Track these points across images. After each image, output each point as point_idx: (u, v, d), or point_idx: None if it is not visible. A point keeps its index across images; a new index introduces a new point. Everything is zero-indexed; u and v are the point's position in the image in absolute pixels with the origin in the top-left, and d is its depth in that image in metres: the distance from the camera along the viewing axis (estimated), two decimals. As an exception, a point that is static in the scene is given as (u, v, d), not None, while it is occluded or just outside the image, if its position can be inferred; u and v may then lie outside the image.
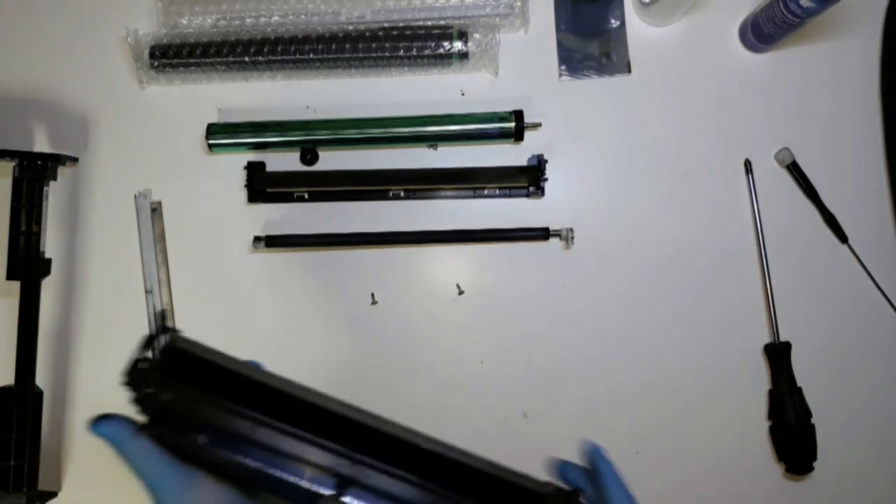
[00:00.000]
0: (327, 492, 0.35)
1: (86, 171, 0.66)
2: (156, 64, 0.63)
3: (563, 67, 0.66)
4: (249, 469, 0.35)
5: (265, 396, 0.37)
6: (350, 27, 0.63)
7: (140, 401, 0.35)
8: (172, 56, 0.63)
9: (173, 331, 0.38)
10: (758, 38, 0.63)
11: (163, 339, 0.37)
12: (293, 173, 0.64)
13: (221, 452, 0.35)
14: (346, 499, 0.35)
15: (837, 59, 0.65)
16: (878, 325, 0.64)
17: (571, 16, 0.66)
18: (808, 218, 0.64)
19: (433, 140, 0.64)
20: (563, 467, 0.47)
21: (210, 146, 0.63)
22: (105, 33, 0.67)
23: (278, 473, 0.35)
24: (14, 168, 0.61)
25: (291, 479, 0.35)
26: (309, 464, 0.35)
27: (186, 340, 0.38)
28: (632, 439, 0.64)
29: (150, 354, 0.37)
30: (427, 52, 0.62)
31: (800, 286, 0.64)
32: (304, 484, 0.35)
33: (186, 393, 0.36)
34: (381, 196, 0.65)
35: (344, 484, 0.35)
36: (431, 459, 0.38)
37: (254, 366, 0.39)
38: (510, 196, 0.64)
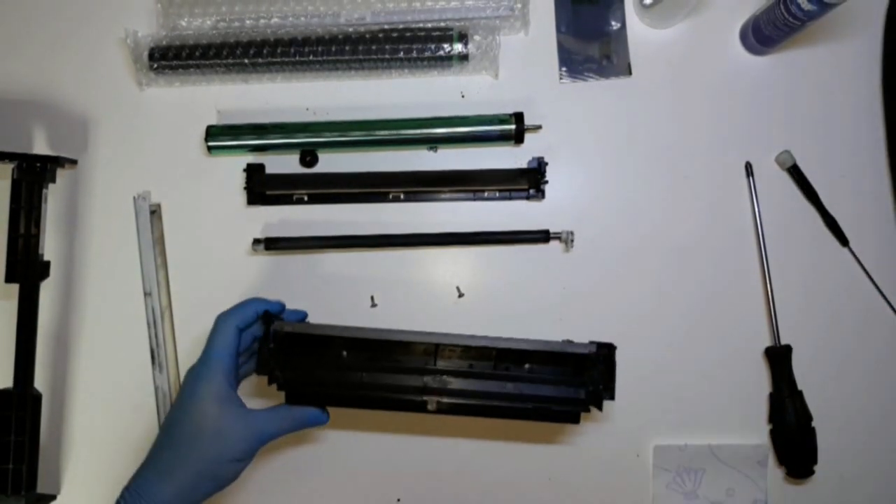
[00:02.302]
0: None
1: (85, 174, 0.66)
2: (155, 66, 0.63)
3: (564, 69, 0.65)
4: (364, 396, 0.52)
5: (354, 341, 0.52)
6: (350, 29, 0.63)
7: (272, 380, 0.51)
8: (172, 58, 0.63)
9: (276, 318, 0.52)
10: (759, 41, 0.63)
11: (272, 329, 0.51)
12: (293, 175, 0.64)
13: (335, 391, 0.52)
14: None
15: (838, 61, 0.65)
16: (879, 328, 0.63)
17: (572, 17, 0.66)
18: (808, 221, 0.64)
19: (433, 142, 0.64)
20: None
21: (209, 148, 0.63)
22: (104, 35, 0.66)
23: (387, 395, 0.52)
24: (13, 170, 0.60)
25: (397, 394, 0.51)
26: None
27: (289, 324, 0.52)
28: (633, 441, 0.64)
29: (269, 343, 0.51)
30: (427, 54, 0.62)
31: (800, 289, 0.63)
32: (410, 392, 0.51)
33: (298, 362, 0.51)
34: (381, 198, 0.64)
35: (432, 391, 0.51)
36: (498, 352, 0.52)
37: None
38: (510, 198, 0.64)
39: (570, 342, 0.52)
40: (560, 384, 0.51)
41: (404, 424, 0.64)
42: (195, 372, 0.50)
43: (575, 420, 0.52)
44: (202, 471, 0.47)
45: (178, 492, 0.46)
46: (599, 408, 0.51)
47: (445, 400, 0.51)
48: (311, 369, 0.52)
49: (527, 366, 0.53)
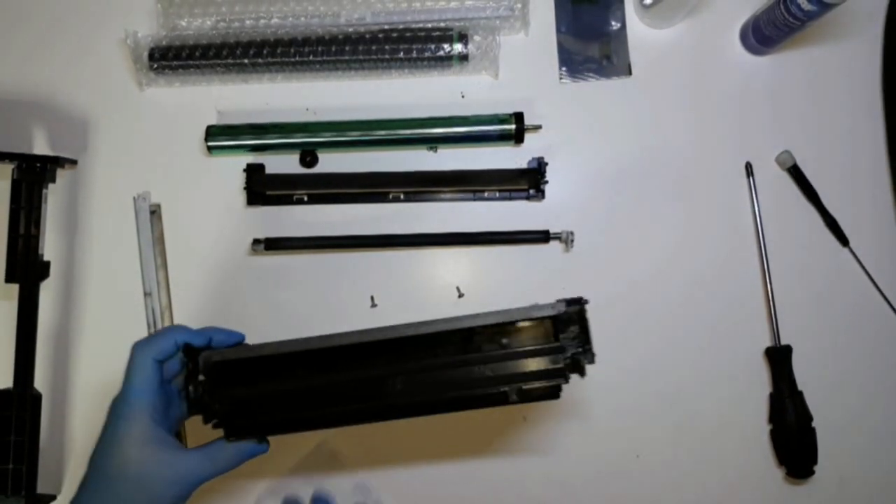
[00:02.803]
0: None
1: (85, 174, 0.66)
2: (155, 66, 0.63)
3: (564, 69, 0.65)
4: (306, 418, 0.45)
5: (292, 358, 0.45)
6: (350, 29, 0.63)
7: (207, 418, 0.45)
8: (172, 58, 0.63)
9: (204, 349, 0.46)
10: (759, 41, 0.63)
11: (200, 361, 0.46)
12: (293, 175, 0.64)
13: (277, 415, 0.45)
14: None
15: (839, 61, 0.65)
16: (879, 328, 0.63)
17: (572, 18, 0.66)
18: (809, 221, 0.64)
19: (433, 142, 0.64)
20: None
21: (209, 148, 0.63)
22: (104, 35, 0.66)
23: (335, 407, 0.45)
24: (13, 170, 0.60)
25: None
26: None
27: (218, 352, 0.46)
28: (632, 442, 0.64)
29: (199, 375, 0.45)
30: (427, 54, 0.62)
31: (801, 289, 0.63)
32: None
33: (235, 392, 0.45)
34: (381, 198, 0.64)
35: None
36: (461, 334, 0.45)
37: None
38: (510, 199, 0.64)
39: (536, 306, 0.45)
40: (538, 356, 0.45)
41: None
42: (115, 410, 0.45)
43: (555, 395, 0.45)
44: None
45: None
46: (581, 374, 0.45)
47: (406, 400, 0.44)
48: (251, 397, 0.45)
49: (504, 340, 0.46)
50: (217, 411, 0.45)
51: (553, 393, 0.45)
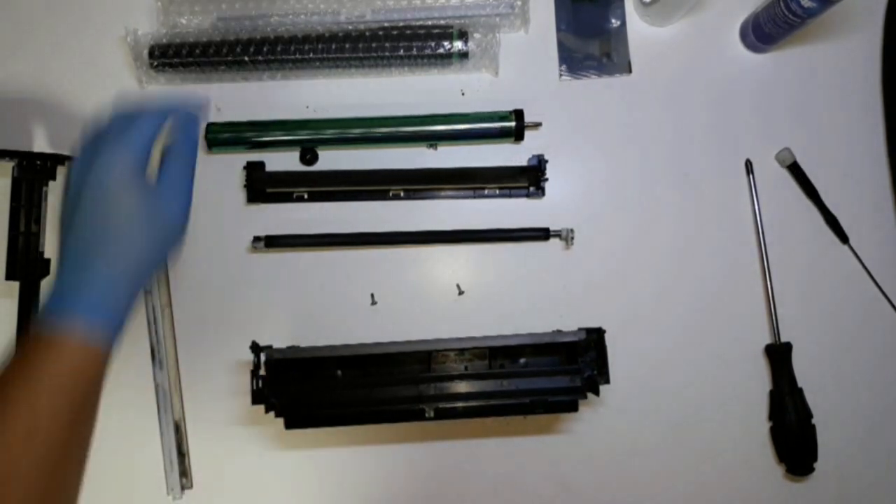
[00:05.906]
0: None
1: (85, 171, 0.66)
2: (155, 63, 0.63)
3: (564, 67, 0.65)
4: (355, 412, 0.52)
5: (344, 359, 0.54)
6: (350, 27, 0.63)
7: (268, 409, 0.52)
8: (172, 56, 0.63)
9: (266, 348, 0.53)
10: (759, 38, 0.63)
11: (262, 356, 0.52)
12: (293, 173, 0.64)
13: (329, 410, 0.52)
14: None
15: (839, 58, 0.65)
16: (879, 325, 0.63)
17: (572, 16, 0.66)
18: (809, 218, 0.64)
19: (433, 140, 0.64)
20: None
21: (209, 145, 0.63)
22: (104, 33, 0.66)
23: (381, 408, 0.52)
24: (13, 168, 0.60)
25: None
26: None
27: (278, 351, 0.53)
28: (632, 440, 0.64)
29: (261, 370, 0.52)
30: (427, 51, 0.62)
31: (801, 287, 0.63)
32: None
33: (292, 385, 0.52)
34: (381, 196, 0.64)
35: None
36: (491, 350, 0.54)
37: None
38: (510, 196, 0.64)
39: (559, 332, 0.52)
40: (555, 374, 0.52)
41: (400, 434, 0.64)
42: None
43: (573, 408, 0.52)
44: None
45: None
46: (596, 393, 0.51)
47: (442, 405, 0.51)
48: (306, 392, 0.52)
49: (521, 360, 0.54)
50: (275, 404, 0.51)
51: (571, 406, 0.52)
